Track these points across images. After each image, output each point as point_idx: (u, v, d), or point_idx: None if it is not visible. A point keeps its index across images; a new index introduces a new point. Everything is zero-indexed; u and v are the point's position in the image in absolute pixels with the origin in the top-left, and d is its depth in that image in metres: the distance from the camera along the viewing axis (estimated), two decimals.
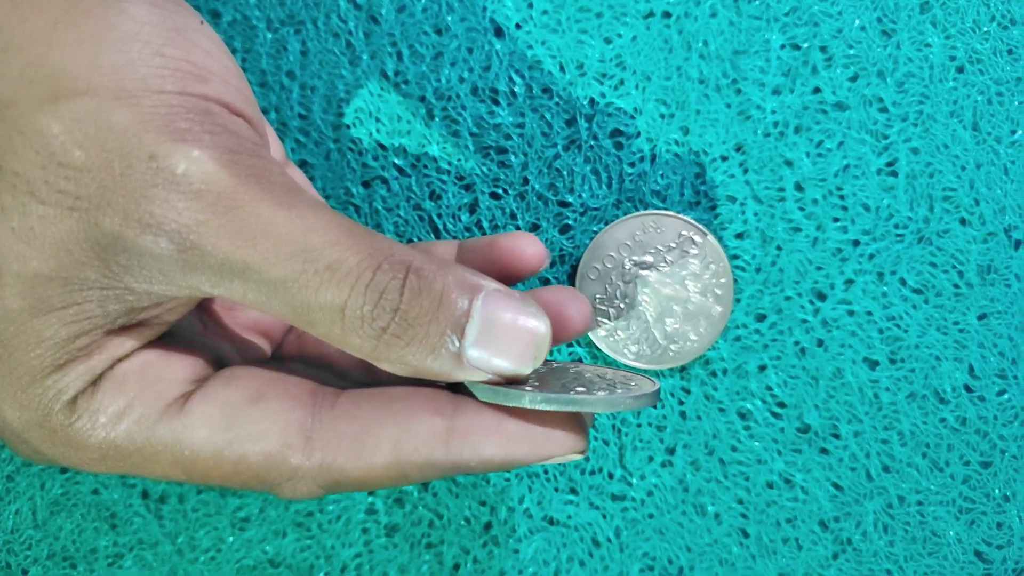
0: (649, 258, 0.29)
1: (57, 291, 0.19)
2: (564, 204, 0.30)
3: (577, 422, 0.20)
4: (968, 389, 0.29)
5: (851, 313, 0.29)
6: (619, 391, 0.20)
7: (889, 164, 0.30)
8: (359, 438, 0.20)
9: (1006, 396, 0.29)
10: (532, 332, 0.19)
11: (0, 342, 0.19)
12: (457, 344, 0.19)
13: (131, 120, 0.18)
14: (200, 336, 0.23)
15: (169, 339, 0.21)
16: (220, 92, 0.20)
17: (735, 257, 0.30)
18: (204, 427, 0.20)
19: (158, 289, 0.19)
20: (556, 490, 0.29)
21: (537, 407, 0.19)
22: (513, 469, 0.21)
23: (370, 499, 0.29)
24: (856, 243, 0.30)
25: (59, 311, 0.19)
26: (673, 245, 0.29)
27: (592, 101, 0.30)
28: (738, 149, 0.30)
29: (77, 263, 0.18)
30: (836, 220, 0.30)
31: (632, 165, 0.30)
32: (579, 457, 0.20)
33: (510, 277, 0.25)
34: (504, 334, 0.19)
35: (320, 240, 0.18)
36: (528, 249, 0.24)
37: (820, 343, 0.29)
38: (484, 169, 0.30)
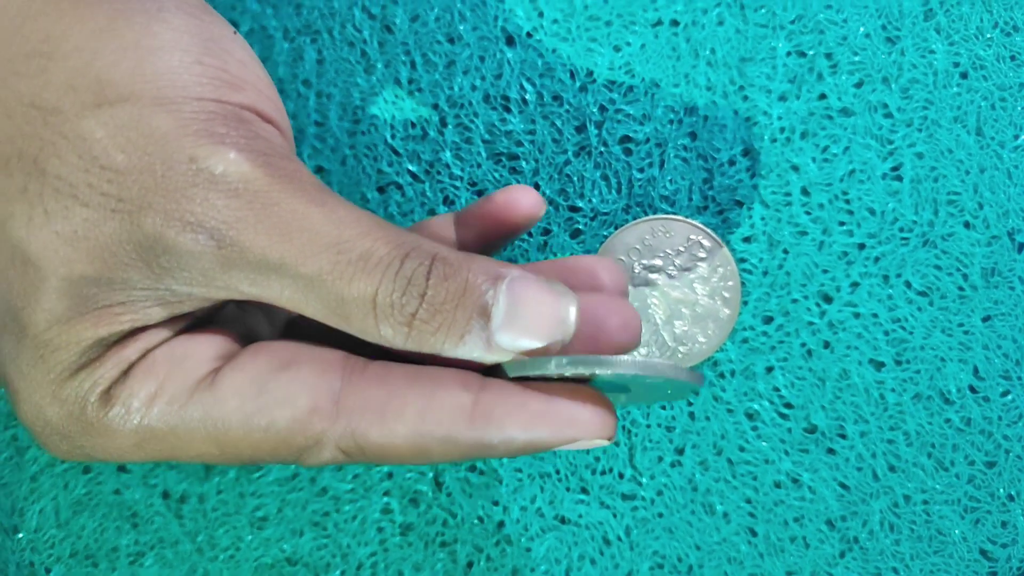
0: (658, 262, 0.29)
1: (102, 291, 0.19)
2: (574, 209, 0.31)
3: (603, 404, 0.20)
4: (973, 390, 0.29)
5: (857, 315, 0.30)
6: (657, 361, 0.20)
7: (894, 169, 0.30)
8: (385, 403, 0.20)
9: (1010, 397, 0.29)
10: (558, 309, 0.19)
11: (44, 342, 0.19)
12: (485, 328, 0.19)
13: (172, 125, 0.19)
14: (230, 306, 0.23)
15: (197, 321, 0.22)
16: (254, 101, 0.20)
17: (742, 260, 0.30)
18: (235, 397, 0.20)
19: (198, 291, 0.20)
20: (567, 490, 0.30)
21: (563, 371, 0.19)
22: (537, 452, 0.21)
23: (385, 499, 0.29)
24: (862, 246, 0.30)
25: (100, 310, 0.19)
26: (682, 249, 0.29)
27: (602, 108, 0.31)
28: (745, 154, 0.31)
29: (121, 264, 0.19)
30: (842, 224, 0.30)
31: (641, 170, 0.31)
32: (605, 443, 0.20)
33: (510, 229, 0.25)
34: (530, 314, 0.19)
35: (352, 232, 0.19)
36: (524, 199, 0.25)
37: (826, 345, 0.30)
38: (496, 175, 0.31)
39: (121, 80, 0.19)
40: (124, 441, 0.20)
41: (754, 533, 0.29)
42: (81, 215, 0.19)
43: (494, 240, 0.26)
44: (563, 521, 0.29)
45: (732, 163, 0.31)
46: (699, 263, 0.29)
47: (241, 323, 0.23)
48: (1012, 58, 0.31)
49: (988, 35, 0.31)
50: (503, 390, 0.20)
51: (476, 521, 0.29)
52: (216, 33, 0.21)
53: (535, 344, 0.19)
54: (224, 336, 0.21)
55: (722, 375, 0.30)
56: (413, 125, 0.31)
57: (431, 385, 0.20)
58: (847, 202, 0.30)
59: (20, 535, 0.29)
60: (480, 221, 0.25)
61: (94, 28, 0.19)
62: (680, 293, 0.29)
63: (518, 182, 0.31)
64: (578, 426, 0.20)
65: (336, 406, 0.20)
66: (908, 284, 0.30)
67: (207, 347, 0.21)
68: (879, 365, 0.30)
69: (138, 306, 0.20)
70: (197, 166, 0.19)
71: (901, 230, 0.30)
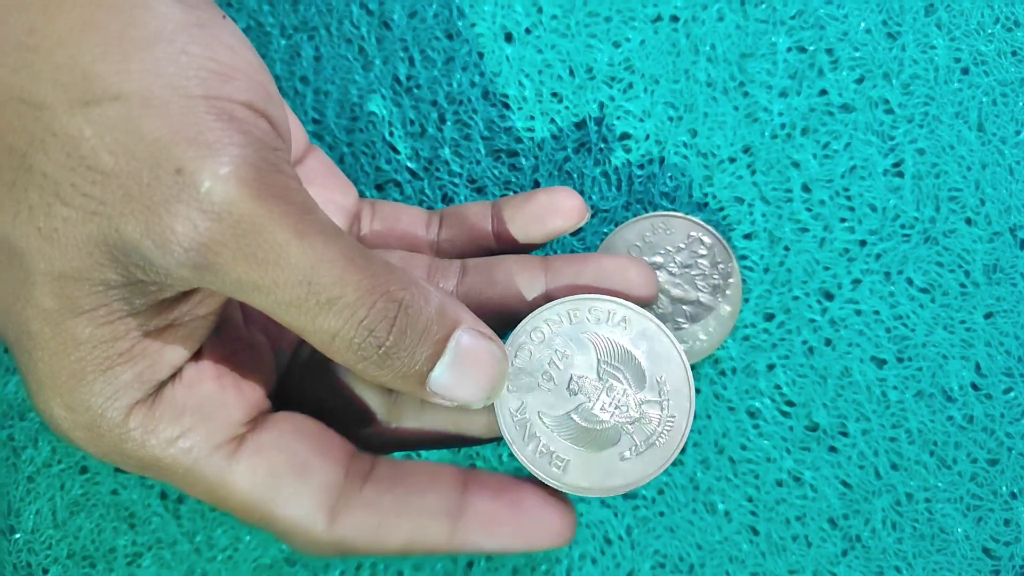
0: (659, 259, 0.29)
1: (84, 293, 0.19)
2: None
3: (567, 521, 0.23)
4: (975, 387, 0.29)
5: (858, 312, 0.30)
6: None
7: (895, 165, 0.30)
8: (375, 529, 0.22)
9: (1012, 394, 0.29)
10: (491, 373, 0.21)
11: (39, 343, 0.20)
12: (425, 374, 0.21)
13: (161, 130, 0.18)
14: (242, 331, 0.24)
15: (219, 351, 0.22)
16: (244, 91, 0.20)
17: (743, 257, 0.30)
18: (247, 481, 0.21)
19: (177, 285, 0.20)
20: None
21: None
22: None
23: None
24: (863, 243, 0.30)
25: (89, 313, 0.19)
26: (682, 246, 0.29)
27: (601, 104, 0.31)
28: (746, 151, 0.31)
29: (97, 265, 0.19)
30: (843, 220, 0.30)
31: (641, 167, 0.31)
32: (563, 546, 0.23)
33: (550, 232, 0.26)
34: (467, 372, 0.21)
35: (325, 274, 0.19)
36: (566, 203, 0.25)
37: (828, 342, 0.30)
38: (495, 172, 0.31)
39: (107, 76, 0.18)
40: (129, 461, 0.21)
41: (756, 532, 0.29)
42: (62, 214, 0.19)
43: (532, 240, 0.26)
44: None
45: (732, 160, 0.30)
46: (700, 260, 0.29)
47: (254, 348, 0.24)
48: (1013, 53, 0.31)
49: (989, 30, 0.31)
50: (484, 511, 0.22)
51: None
52: (203, 18, 0.20)
53: (464, 399, 0.21)
54: (251, 391, 0.22)
55: (723, 373, 0.30)
56: (411, 122, 0.31)
57: (419, 515, 0.22)
58: (848, 199, 0.30)
59: (17, 536, 0.29)
60: (519, 218, 0.26)
61: (77, 19, 0.19)
62: (681, 291, 0.29)
63: (517, 179, 0.31)
64: (541, 540, 0.23)
65: (333, 523, 0.22)
66: (910, 281, 0.30)
67: (235, 406, 0.22)
68: (881, 362, 0.30)
69: (122, 303, 0.20)
70: (184, 180, 0.18)
71: (903, 227, 0.30)
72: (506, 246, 0.26)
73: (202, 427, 0.21)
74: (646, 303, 0.24)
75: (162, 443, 0.21)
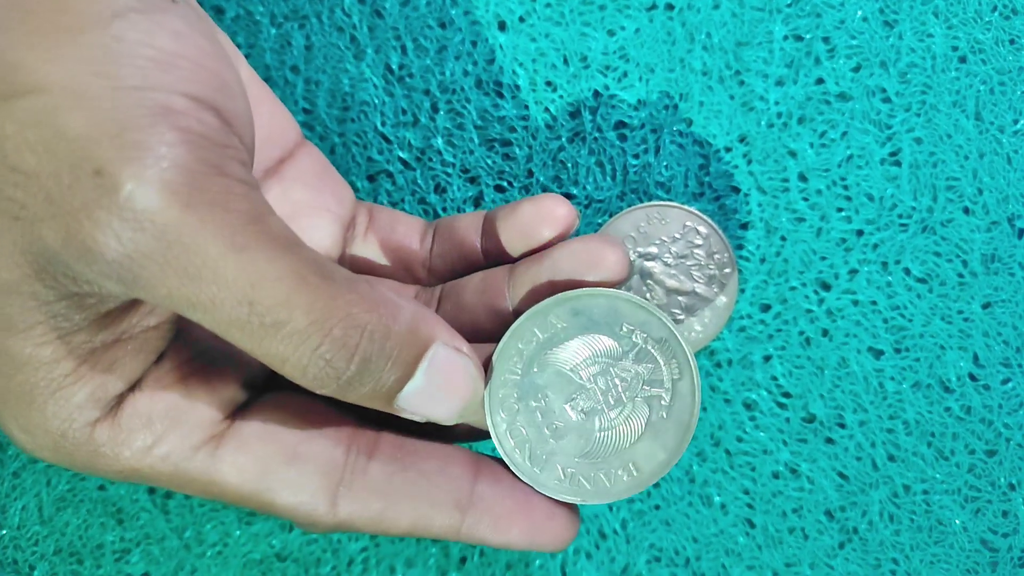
0: (654, 249, 0.29)
1: (16, 309, 0.18)
2: (569, 196, 0.30)
3: (573, 524, 0.22)
4: (973, 378, 0.29)
5: (856, 303, 0.29)
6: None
7: (892, 154, 0.30)
8: (381, 513, 0.21)
9: (1010, 385, 0.29)
10: (465, 392, 0.21)
11: None
12: (394, 394, 0.20)
13: (84, 126, 0.16)
14: (208, 333, 0.23)
15: (183, 353, 0.21)
16: (188, 81, 0.18)
17: (739, 248, 0.30)
18: (236, 475, 0.21)
19: (112, 297, 0.18)
20: None
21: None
22: None
23: None
24: (860, 233, 0.30)
25: (26, 332, 0.18)
26: (678, 236, 0.29)
27: (596, 93, 0.31)
28: (742, 140, 0.30)
29: (26, 277, 0.17)
30: (840, 210, 0.30)
31: (636, 157, 0.30)
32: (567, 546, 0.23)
33: (540, 243, 0.24)
34: (440, 391, 0.20)
35: (269, 294, 0.17)
36: (555, 211, 0.24)
37: (825, 333, 0.29)
38: (489, 162, 0.30)
39: (33, 65, 0.17)
40: (109, 473, 0.20)
41: (752, 524, 0.29)
42: None
43: (522, 252, 0.25)
44: None
45: (728, 149, 0.30)
46: (696, 250, 0.29)
47: (230, 356, 0.22)
48: (1011, 41, 0.30)
49: (987, 18, 0.30)
50: (492, 504, 0.22)
51: None
52: (146, 2, 0.18)
53: (435, 417, 0.20)
54: (222, 388, 0.21)
55: (719, 364, 0.29)
56: (404, 112, 0.31)
57: (426, 500, 0.21)
58: (845, 188, 0.30)
59: (3, 532, 0.29)
60: (506, 231, 0.24)
61: (3, 4, 0.17)
62: (676, 281, 0.29)
63: (511, 169, 0.30)
64: (547, 541, 0.22)
65: (335, 506, 0.21)
66: (907, 271, 0.30)
67: (207, 407, 0.21)
68: (878, 353, 0.29)
69: (60, 319, 0.18)
70: (103, 183, 0.16)
71: (900, 216, 0.30)
72: (495, 261, 0.25)
73: (175, 431, 0.20)
74: (619, 283, 0.23)
75: (137, 454, 0.20)
